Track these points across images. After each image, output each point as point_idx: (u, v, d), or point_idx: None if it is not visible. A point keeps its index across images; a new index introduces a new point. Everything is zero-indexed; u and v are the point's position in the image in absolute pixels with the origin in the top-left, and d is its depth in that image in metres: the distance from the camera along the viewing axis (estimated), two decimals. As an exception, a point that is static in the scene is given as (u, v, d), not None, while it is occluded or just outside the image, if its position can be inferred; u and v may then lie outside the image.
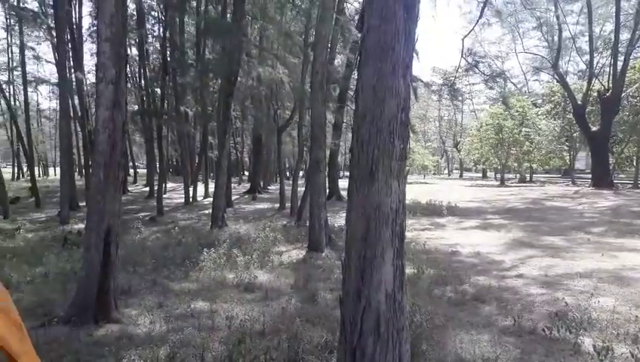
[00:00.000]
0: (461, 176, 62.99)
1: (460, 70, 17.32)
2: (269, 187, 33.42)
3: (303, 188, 16.24)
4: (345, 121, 21.90)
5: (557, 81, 35.81)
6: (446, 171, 73.45)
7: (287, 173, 40.18)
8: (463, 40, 14.14)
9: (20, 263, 8.08)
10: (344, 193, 23.62)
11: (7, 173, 29.26)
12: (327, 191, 15.37)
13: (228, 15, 14.22)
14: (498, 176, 44.58)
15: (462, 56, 14.31)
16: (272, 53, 14.50)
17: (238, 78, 13.20)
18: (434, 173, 58.10)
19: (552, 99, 39.04)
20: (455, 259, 9.05)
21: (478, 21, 14.88)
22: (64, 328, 4.99)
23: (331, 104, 14.56)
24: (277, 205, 19.66)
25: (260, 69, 13.64)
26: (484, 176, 54.64)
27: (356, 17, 17.62)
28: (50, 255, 8.82)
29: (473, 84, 54.24)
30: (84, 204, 19.34)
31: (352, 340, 3.09)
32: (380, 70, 3.01)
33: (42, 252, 9.09)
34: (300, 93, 14.87)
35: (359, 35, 15.85)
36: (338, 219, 14.47)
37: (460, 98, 53.87)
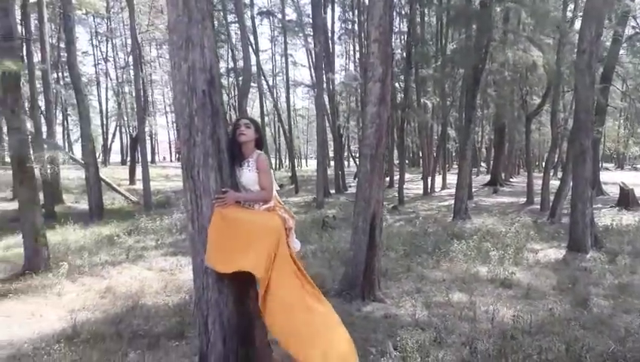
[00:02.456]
0: None
1: None
2: (511, 179, 31.33)
3: (555, 181, 14.72)
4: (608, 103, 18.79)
5: None
6: None
7: (531, 165, 36.91)
8: None
9: (294, 241, 9.45)
10: (605, 187, 20.55)
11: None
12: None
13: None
14: None
15: None
16: (522, 35, 13.41)
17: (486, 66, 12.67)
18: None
19: None
20: None
21: None
22: (337, 300, 5.62)
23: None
24: (522, 199, 18.30)
25: (509, 53, 12.81)
26: None
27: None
28: (314, 235, 10.12)
29: None
30: (333, 191, 21.61)
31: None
32: None
33: (307, 232, 10.39)
34: (555, 76, 13.41)
35: (631, 3, 13.42)
36: (602, 217, 12.61)
37: None
